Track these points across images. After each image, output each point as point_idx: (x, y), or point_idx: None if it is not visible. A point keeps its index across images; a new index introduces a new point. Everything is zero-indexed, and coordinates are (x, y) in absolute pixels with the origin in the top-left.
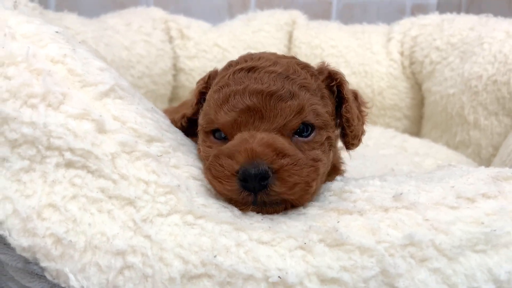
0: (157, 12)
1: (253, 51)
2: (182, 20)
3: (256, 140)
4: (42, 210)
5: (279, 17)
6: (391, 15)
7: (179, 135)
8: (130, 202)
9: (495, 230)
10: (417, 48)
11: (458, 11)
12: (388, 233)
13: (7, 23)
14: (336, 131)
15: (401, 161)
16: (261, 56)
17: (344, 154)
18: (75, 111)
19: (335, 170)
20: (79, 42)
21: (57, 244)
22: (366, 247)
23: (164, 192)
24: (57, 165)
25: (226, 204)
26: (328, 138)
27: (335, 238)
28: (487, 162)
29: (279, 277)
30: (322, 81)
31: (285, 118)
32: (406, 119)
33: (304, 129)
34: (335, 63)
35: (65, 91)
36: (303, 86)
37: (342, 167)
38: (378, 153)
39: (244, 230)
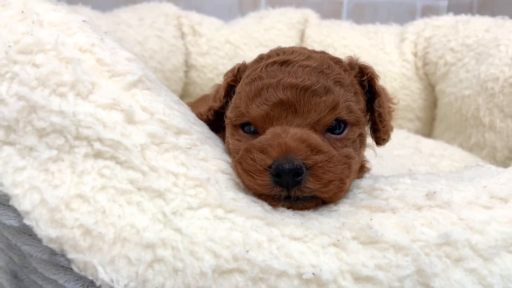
0: (170, 8)
1: (264, 49)
2: (194, 17)
3: (289, 135)
4: (71, 201)
5: (291, 15)
6: (402, 16)
7: (206, 128)
8: (160, 194)
9: None
10: (430, 49)
11: (470, 13)
12: (423, 231)
13: (34, 10)
14: (367, 128)
15: (418, 161)
16: (294, 50)
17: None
18: (104, 101)
19: (361, 168)
20: (105, 33)
21: (85, 236)
22: (401, 245)
23: (193, 185)
24: (86, 155)
25: (255, 199)
26: (360, 135)
27: (369, 235)
28: (502, 164)
29: (313, 273)
30: (355, 76)
31: (319, 114)
32: (418, 120)
33: (337, 125)
34: None
35: (94, 80)
36: (338, 82)
37: (367, 165)
38: (392, 153)
39: (276, 225)
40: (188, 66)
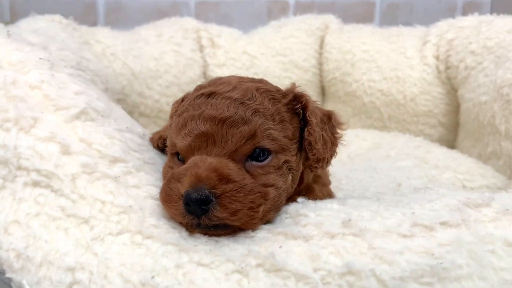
0: (190, 22)
1: (281, 58)
2: (213, 29)
3: (205, 164)
4: (9, 226)
5: (311, 22)
6: (440, 14)
7: (149, 154)
8: (86, 221)
9: (442, 263)
10: (452, 52)
11: None
12: (328, 260)
13: None
14: (299, 154)
15: (415, 174)
16: (224, 81)
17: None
18: (43, 134)
19: (311, 191)
20: (64, 67)
21: (18, 258)
22: (302, 274)
23: (118, 212)
24: (25, 184)
25: (176, 225)
26: (286, 161)
27: (272, 263)
28: None
29: None
30: (285, 105)
31: (235, 144)
32: (441, 126)
33: (260, 153)
34: (366, 69)
35: (36, 115)
36: (258, 112)
37: (325, 180)
38: (394, 164)
39: (187, 251)
40: (206, 78)
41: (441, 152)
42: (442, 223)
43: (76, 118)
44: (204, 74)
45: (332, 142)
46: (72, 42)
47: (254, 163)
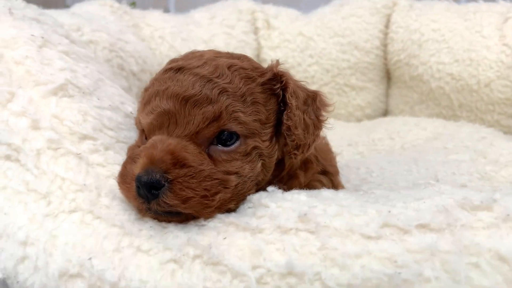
0: (245, 4)
1: (340, 39)
2: (270, 10)
3: (162, 146)
4: None
5: None
6: None
7: (127, 133)
8: (44, 197)
9: (400, 273)
10: None
11: None
12: (271, 258)
13: None
14: (274, 139)
15: (464, 170)
16: (196, 56)
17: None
18: (16, 109)
19: (294, 178)
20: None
21: None
22: (238, 270)
23: (75, 190)
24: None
25: (129, 207)
26: (256, 147)
27: (210, 256)
28: None
29: None
30: (261, 84)
31: (198, 125)
32: None
33: (228, 137)
34: (435, 49)
35: (13, 90)
36: (226, 91)
37: (330, 169)
38: (446, 158)
39: (130, 235)
40: (259, 61)
41: (507, 146)
42: (421, 226)
43: (53, 94)
44: (258, 56)
45: (315, 126)
46: (115, 25)
47: (220, 147)
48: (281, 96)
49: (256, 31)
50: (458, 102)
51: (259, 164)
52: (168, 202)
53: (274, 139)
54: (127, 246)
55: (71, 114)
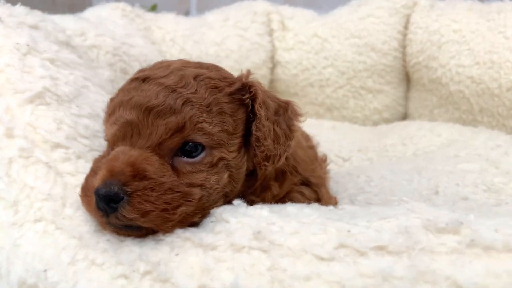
0: (261, 5)
1: (356, 40)
2: (286, 11)
3: (124, 157)
4: None
5: None
6: None
7: (100, 141)
8: (13, 205)
9: None
10: None
11: None
12: (218, 277)
13: None
14: (242, 150)
15: (470, 181)
16: (164, 65)
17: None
18: None
19: (266, 189)
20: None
21: None
22: None
23: (41, 199)
24: None
25: (91, 218)
26: (222, 158)
27: (159, 273)
28: None
29: None
30: (228, 95)
31: (160, 136)
32: None
33: (193, 148)
34: (455, 51)
35: None
36: (190, 101)
37: (313, 180)
38: (455, 167)
39: (87, 248)
40: (273, 63)
41: None
42: (378, 248)
43: (29, 102)
44: (272, 58)
45: (286, 136)
46: (123, 28)
47: (184, 158)
48: (250, 107)
49: (271, 32)
50: (478, 107)
51: (226, 176)
52: (126, 215)
53: (243, 150)
54: (82, 259)
55: (46, 123)
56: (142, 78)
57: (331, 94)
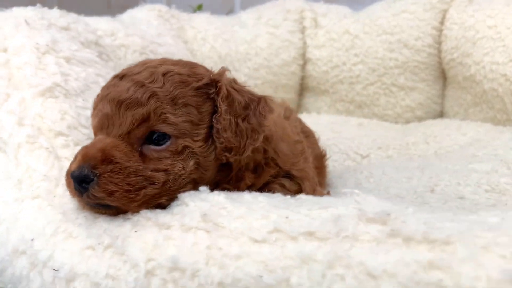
0: (295, 3)
1: (388, 37)
2: (320, 8)
3: (97, 144)
4: None
5: None
6: None
7: None
8: (18, 183)
9: (261, 277)
10: None
11: None
12: (165, 252)
13: (5, 39)
14: (210, 140)
15: (474, 180)
16: (142, 63)
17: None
18: (9, 108)
19: (240, 179)
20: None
21: None
22: (135, 262)
23: (40, 179)
24: None
25: None
26: (187, 147)
27: (117, 246)
28: None
29: (53, 269)
30: (195, 89)
31: (128, 126)
32: None
33: (161, 137)
34: (489, 48)
35: (10, 92)
36: (155, 95)
37: (295, 173)
38: (466, 166)
39: (67, 222)
40: (304, 60)
41: None
42: (308, 234)
43: (41, 95)
44: (303, 56)
45: (253, 130)
46: (155, 28)
47: (152, 146)
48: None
49: (303, 30)
50: None
51: (192, 163)
52: (95, 194)
53: (210, 140)
54: (62, 231)
55: (52, 113)
56: (121, 76)
57: (361, 91)
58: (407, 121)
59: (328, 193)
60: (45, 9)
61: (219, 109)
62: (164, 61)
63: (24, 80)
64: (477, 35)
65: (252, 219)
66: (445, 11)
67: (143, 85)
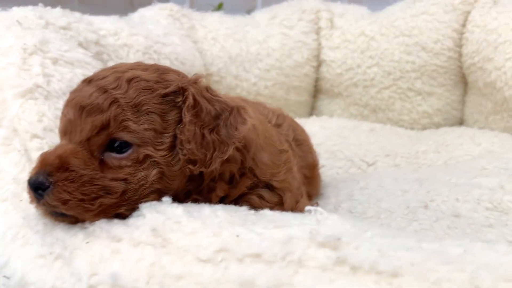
0: (311, 3)
1: (406, 39)
2: (337, 8)
3: (56, 151)
4: None
5: None
6: None
7: None
8: None
9: None
10: None
11: None
12: (109, 267)
13: None
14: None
15: (475, 197)
16: (112, 68)
17: None
18: None
19: (210, 190)
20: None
21: None
22: (79, 275)
23: (10, 182)
24: None
25: None
26: (149, 156)
27: (65, 257)
28: None
29: (5, 276)
30: (161, 96)
31: (88, 133)
32: None
33: (123, 145)
34: (511, 54)
35: None
36: (117, 101)
37: (276, 184)
38: (471, 180)
39: (27, 228)
40: (318, 61)
41: None
42: (255, 255)
43: (21, 96)
44: (317, 57)
45: (221, 142)
46: (163, 28)
47: (113, 154)
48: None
49: (318, 30)
50: None
51: (154, 172)
52: (50, 202)
53: (176, 150)
54: (21, 237)
55: (29, 115)
56: (88, 80)
57: (375, 95)
58: (424, 127)
59: (317, 204)
60: (47, 8)
61: (184, 119)
62: (135, 66)
63: (7, 81)
64: (499, 39)
65: (202, 236)
66: (467, 13)
67: (105, 91)
